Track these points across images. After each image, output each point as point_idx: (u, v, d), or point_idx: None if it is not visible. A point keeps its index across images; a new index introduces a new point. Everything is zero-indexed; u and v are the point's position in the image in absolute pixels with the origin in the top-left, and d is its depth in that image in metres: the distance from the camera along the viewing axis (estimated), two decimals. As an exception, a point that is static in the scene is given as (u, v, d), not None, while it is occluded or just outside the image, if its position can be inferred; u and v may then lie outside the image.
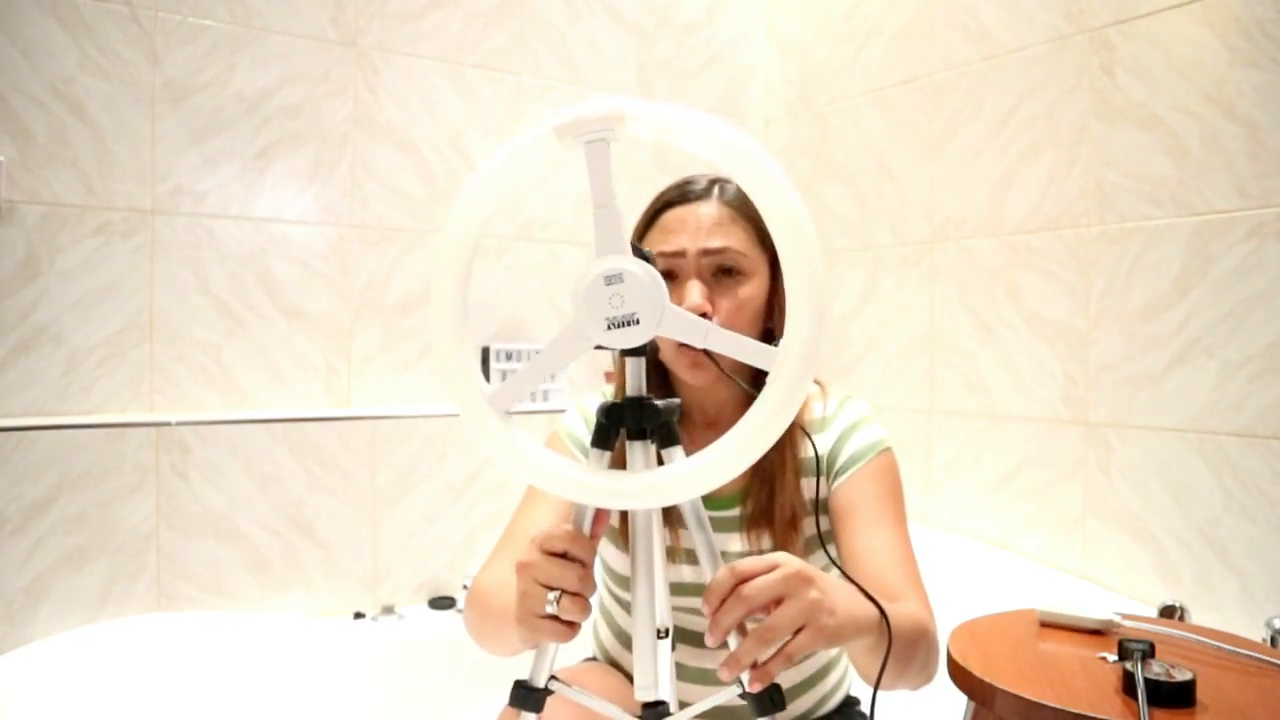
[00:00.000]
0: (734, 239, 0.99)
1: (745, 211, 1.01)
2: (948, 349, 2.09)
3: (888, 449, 1.05)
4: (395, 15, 2.04)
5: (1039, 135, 1.88)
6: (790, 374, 0.62)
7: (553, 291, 2.26)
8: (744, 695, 0.72)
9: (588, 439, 1.11)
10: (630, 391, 0.71)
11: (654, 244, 1.01)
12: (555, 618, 0.71)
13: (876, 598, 0.81)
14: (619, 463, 0.74)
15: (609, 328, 0.63)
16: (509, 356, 2.14)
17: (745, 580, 0.70)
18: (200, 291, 1.85)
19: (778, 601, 0.70)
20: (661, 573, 0.75)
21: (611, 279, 0.62)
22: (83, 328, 1.73)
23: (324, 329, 1.98)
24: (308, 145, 1.95)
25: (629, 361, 0.70)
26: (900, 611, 0.86)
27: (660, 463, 0.72)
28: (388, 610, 1.90)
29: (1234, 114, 1.56)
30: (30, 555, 1.62)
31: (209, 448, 1.78)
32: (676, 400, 0.73)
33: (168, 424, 1.74)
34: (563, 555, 0.72)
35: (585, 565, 0.72)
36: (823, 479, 1.04)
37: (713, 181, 1.04)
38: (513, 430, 0.67)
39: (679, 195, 1.03)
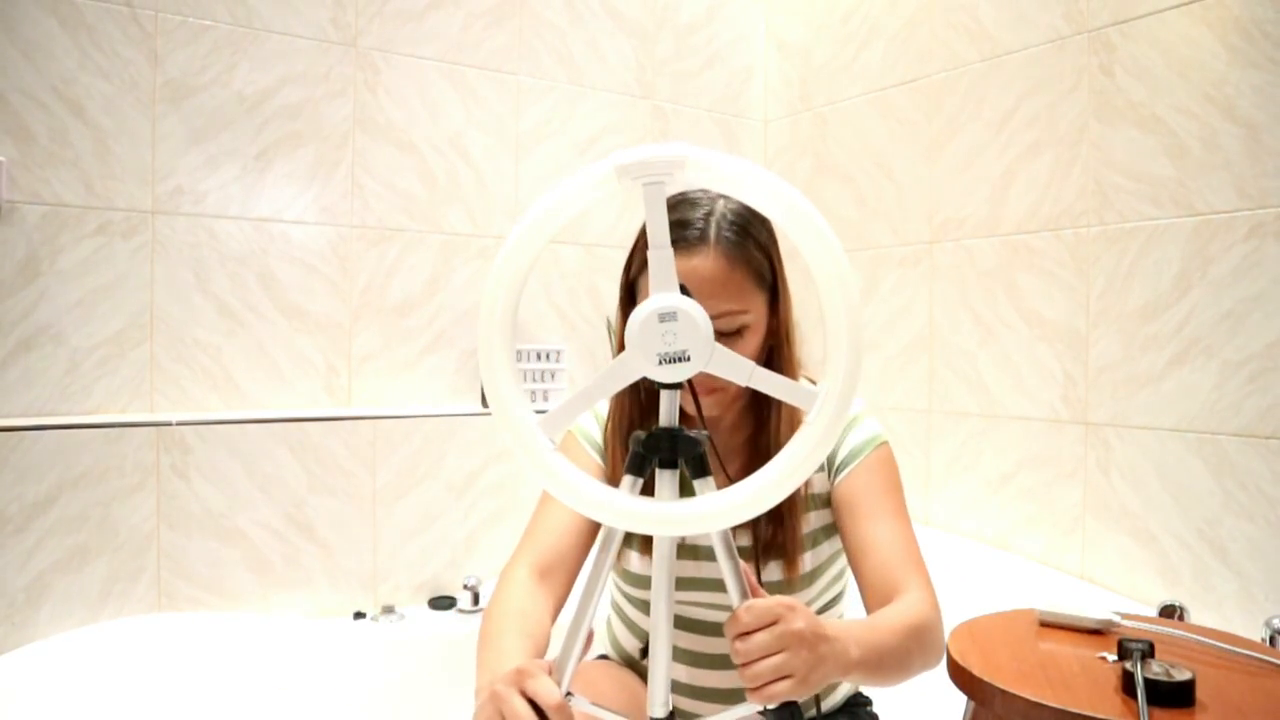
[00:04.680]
0: (732, 295, 0.96)
1: (741, 254, 0.97)
2: (948, 349, 2.09)
3: (884, 443, 1.07)
4: (395, 15, 2.04)
5: (1039, 135, 1.88)
6: (829, 415, 0.67)
7: (552, 291, 2.26)
8: (763, 711, 0.75)
9: (598, 435, 1.12)
10: (664, 422, 0.73)
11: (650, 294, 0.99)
12: None
13: (861, 650, 0.83)
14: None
15: (660, 362, 0.66)
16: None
17: (745, 633, 0.74)
18: (200, 291, 1.85)
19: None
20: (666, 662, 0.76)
21: (665, 317, 0.66)
22: (83, 328, 1.73)
23: (324, 329, 1.98)
24: (308, 145, 1.95)
25: (665, 394, 0.73)
26: (889, 629, 0.88)
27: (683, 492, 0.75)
28: (388, 610, 1.90)
29: (1233, 114, 1.56)
30: (31, 555, 1.62)
31: (209, 448, 1.78)
32: (705, 432, 0.76)
33: (168, 424, 1.74)
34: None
35: None
36: (822, 474, 1.07)
37: (706, 216, 0.98)
38: (559, 458, 0.69)
39: (672, 240, 0.99)
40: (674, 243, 0.98)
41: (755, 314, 0.99)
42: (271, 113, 1.91)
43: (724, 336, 0.96)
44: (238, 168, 1.88)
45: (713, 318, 0.94)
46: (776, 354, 1.04)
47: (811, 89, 2.46)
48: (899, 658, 0.88)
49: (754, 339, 0.99)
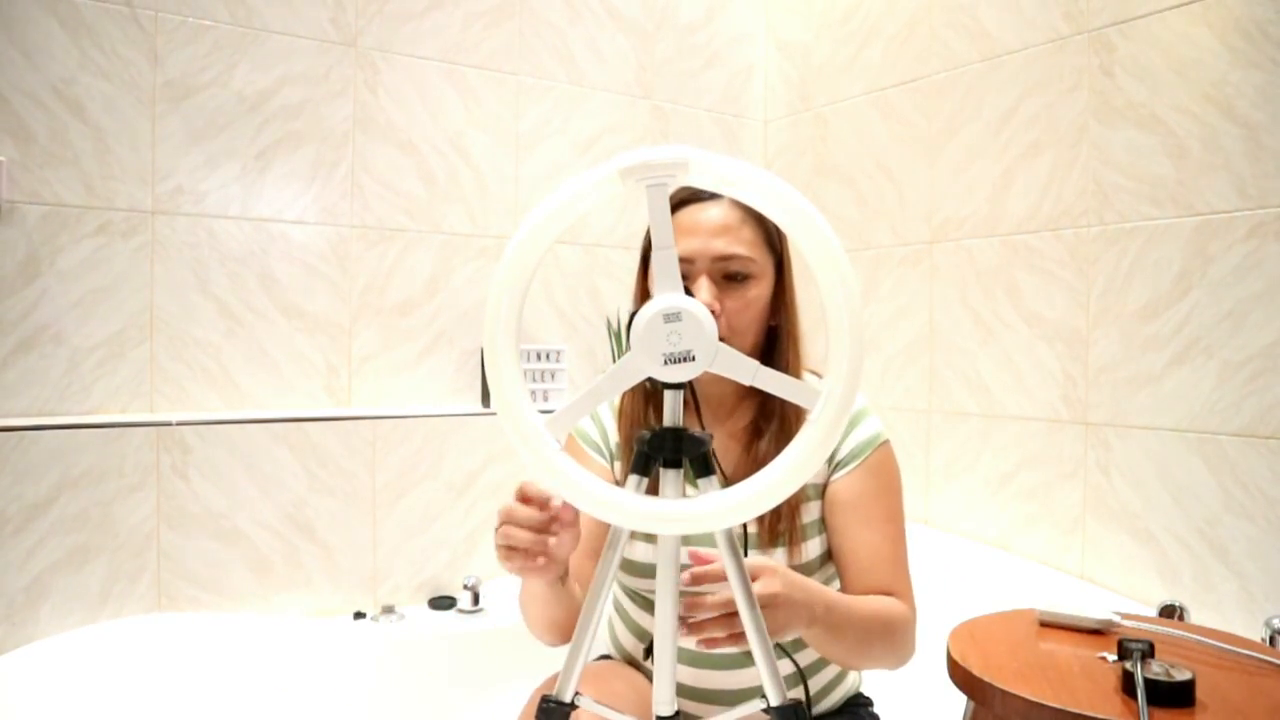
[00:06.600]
0: (743, 243, 1.01)
1: (753, 214, 1.02)
2: (948, 349, 2.09)
3: (885, 442, 1.09)
4: (395, 15, 2.04)
5: (1039, 135, 1.88)
6: (831, 414, 0.68)
7: (553, 291, 2.26)
8: (768, 710, 0.75)
9: (596, 436, 1.13)
10: (668, 422, 0.74)
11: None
12: (528, 553, 0.85)
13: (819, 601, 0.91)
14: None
15: (665, 363, 0.67)
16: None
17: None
18: (200, 291, 1.85)
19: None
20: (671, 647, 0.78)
21: (670, 317, 0.66)
22: (83, 328, 1.73)
23: (324, 329, 1.98)
24: (308, 145, 1.95)
25: (668, 394, 0.73)
26: (863, 608, 0.96)
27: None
28: (388, 610, 1.90)
29: (1233, 114, 1.56)
30: (30, 555, 1.62)
31: (209, 448, 1.78)
32: (709, 433, 0.77)
33: (168, 424, 1.74)
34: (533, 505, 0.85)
35: (548, 530, 0.86)
36: (823, 466, 1.08)
37: None
38: (566, 458, 0.70)
39: (690, 194, 1.04)
40: (689, 198, 1.03)
41: (762, 271, 1.03)
42: (271, 113, 1.91)
43: (731, 282, 1.02)
44: (238, 168, 1.88)
45: (721, 259, 1.00)
46: (780, 337, 1.06)
47: (811, 89, 2.46)
48: (860, 636, 0.94)
49: (757, 290, 1.02)
